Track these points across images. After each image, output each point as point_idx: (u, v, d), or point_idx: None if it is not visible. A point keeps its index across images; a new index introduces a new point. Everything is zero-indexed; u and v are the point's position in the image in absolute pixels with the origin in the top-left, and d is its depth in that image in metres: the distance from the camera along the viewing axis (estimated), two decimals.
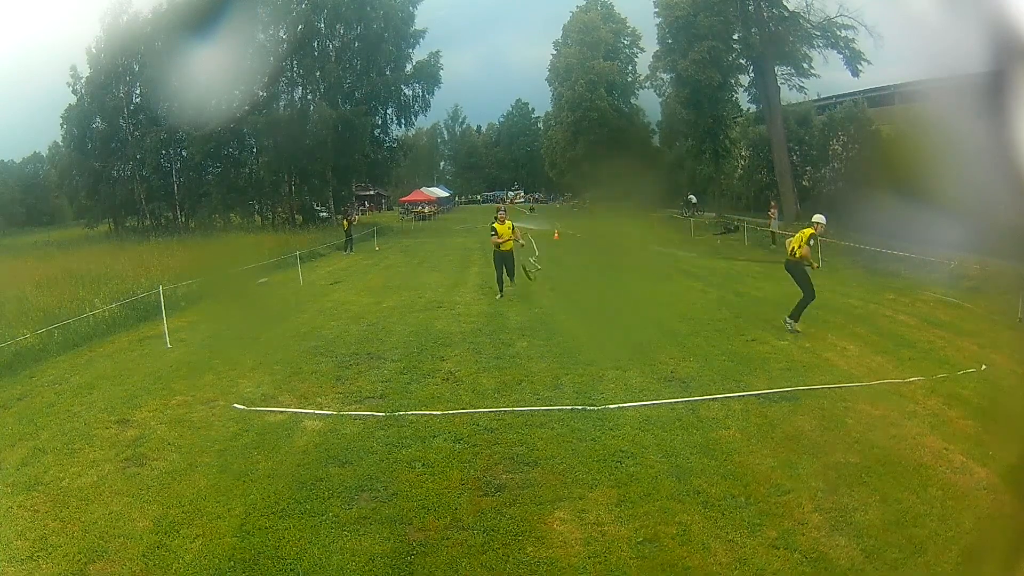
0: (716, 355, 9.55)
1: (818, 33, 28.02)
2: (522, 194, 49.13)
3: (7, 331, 11.33)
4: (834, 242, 19.71)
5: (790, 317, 10.72)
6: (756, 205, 30.14)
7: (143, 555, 4.91)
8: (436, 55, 36.82)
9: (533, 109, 48.78)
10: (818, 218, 11.30)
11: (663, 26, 30.98)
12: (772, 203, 26.25)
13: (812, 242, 10.98)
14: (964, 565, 4.55)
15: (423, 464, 6.21)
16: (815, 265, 11.16)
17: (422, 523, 5.23)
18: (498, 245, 14.26)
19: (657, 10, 30.92)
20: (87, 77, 34.36)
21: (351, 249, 26.21)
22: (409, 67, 36.78)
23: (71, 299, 14.41)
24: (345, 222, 27.08)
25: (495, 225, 14.38)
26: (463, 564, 4.74)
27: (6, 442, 7.15)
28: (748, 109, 32.68)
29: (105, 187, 34.87)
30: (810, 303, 10.77)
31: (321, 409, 7.76)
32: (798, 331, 10.55)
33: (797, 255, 10.90)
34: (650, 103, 36.85)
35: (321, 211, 36.82)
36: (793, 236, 11.38)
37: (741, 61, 30.63)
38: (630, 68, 37.00)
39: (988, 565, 4.43)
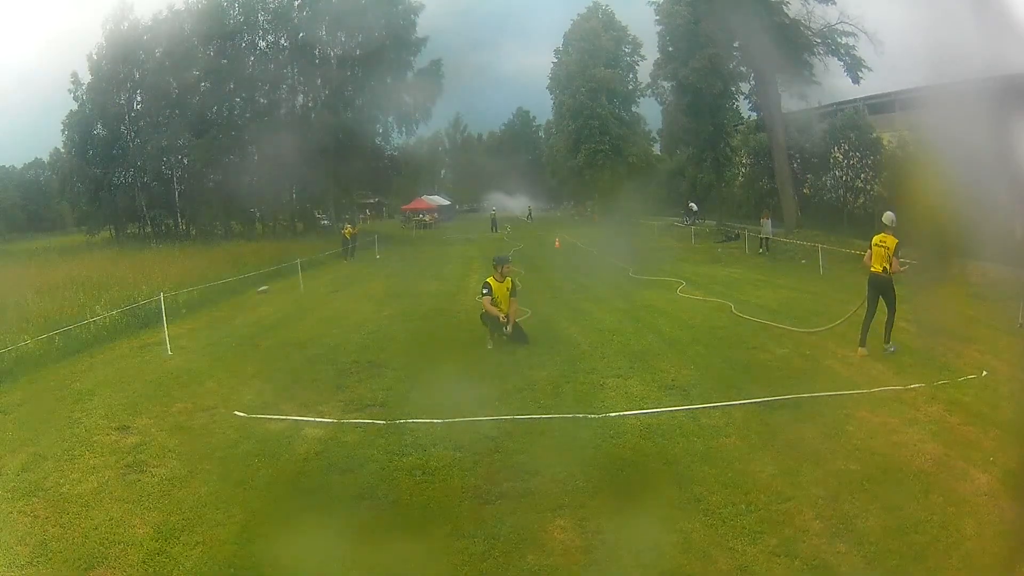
0: (717, 363, 9.54)
1: (819, 40, 28.03)
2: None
3: (8, 337, 11.32)
4: (835, 249, 19.74)
5: (887, 343, 9.52)
6: (757, 213, 30.14)
7: (143, 561, 4.91)
8: (438, 63, 36.82)
9: (535, 117, 48.73)
10: (888, 217, 9.60)
11: (664, 34, 31.06)
12: (765, 211, 26.42)
13: (901, 253, 9.20)
14: (965, 572, 4.54)
15: (424, 472, 6.20)
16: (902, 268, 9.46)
17: (423, 531, 5.23)
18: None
19: (658, 18, 31.04)
20: (88, 83, 34.40)
21: (353, 257, 26.26)
22: (410, 75, 36.84)
23: (72, 305, 14.42)
24: (348, 229, 27.11)
25: (490, 281, 10.53)
26: (464, 572, 4.73)
27: (7, 448, 7.15)
28: (749, 117, 32.77)
29: (106, 194, 34.83)
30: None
31: (322, 417, 7.75)
32: (894, 349, 9.52)
33: (890, 271, 9.50)
34: (651, 111, 36.99)
35: (322, 219, 36.84)
36: (872, 249, 9.65)
37: (742, 69, 30.65)
38: (631, 76, 37.01)
39: (989, 571, 4.43)
